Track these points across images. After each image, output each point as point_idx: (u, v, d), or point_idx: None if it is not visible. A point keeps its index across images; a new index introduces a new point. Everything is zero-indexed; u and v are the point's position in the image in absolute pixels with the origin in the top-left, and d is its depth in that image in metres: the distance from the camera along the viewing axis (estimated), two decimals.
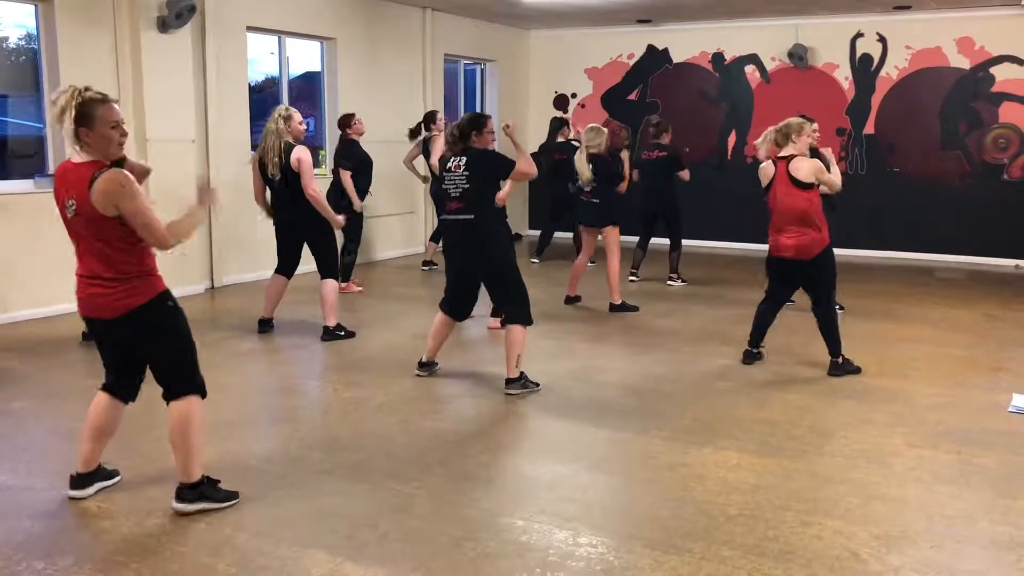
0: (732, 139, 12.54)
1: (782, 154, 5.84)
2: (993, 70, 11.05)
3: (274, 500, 3.85)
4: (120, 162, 3.53)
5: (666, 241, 9.43)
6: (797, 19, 11.79)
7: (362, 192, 8.56)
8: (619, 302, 7.95)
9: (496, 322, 6.96)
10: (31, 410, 5.06)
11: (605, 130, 7.88)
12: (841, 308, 7.25)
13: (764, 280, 6.25)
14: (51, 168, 7.58)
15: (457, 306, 5.64)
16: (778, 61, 12.14)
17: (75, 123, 3.38)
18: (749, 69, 12.37)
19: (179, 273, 8.32)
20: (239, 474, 4.11)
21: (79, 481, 3.80)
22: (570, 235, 10.54)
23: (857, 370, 5.91)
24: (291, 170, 6.34)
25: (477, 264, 5.43)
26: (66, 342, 6.51)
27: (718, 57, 12.52)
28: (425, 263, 10.25)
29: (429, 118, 9.53)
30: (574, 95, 13.47)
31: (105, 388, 3.79)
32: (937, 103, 11.38)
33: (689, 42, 12.61)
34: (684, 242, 9.51)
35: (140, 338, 3.64)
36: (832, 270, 5.89)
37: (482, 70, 13.19)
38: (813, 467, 4.29)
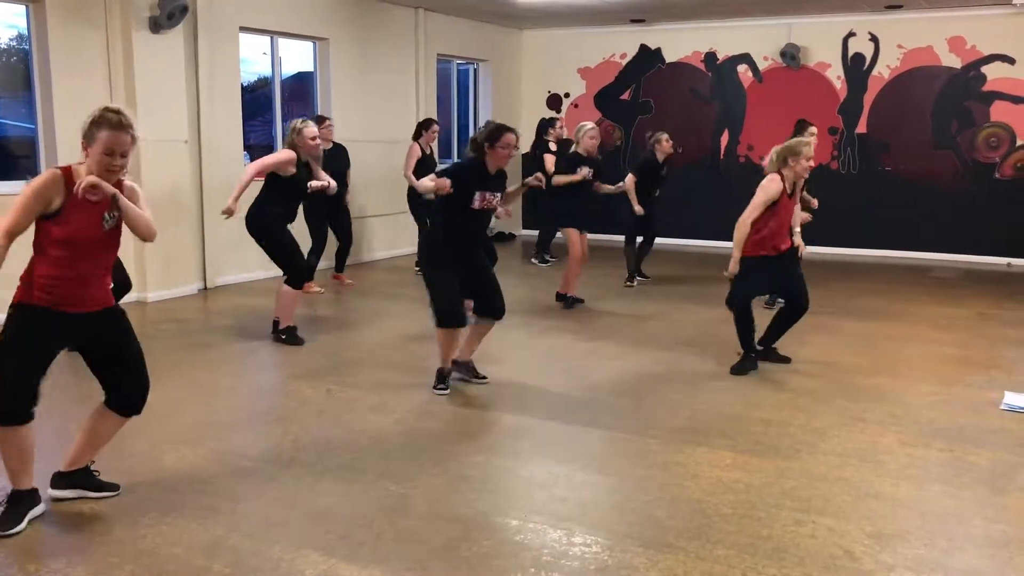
0: (725, 139, 12.55)
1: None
2: (984, 69, 11.09)
3: (268, 501, 3.84)
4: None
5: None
6: (789, 18, 11.81)
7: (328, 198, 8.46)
8: (562, 292, 8.19)
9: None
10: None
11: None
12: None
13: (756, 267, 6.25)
14: (43, 169, 7.55)
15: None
16: (770, 60, 12.16)
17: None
18: (742, 68, 12.39)
19: (171, 274, 8.33)
20: (233, 475, 4.11)
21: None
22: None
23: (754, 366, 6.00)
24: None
25: None
26: None
27: (711, 57, 12.54)
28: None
29: (423, 126, 9.55)
30: (567, 95, 13.48)
31: None
32: (929, 102, 11.42)
33: (682, 42, 12.63)
34: (679, 241, 9.52)
35: None
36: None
37: (475, 70, 13.19)
38: (806, 466, 4.29)
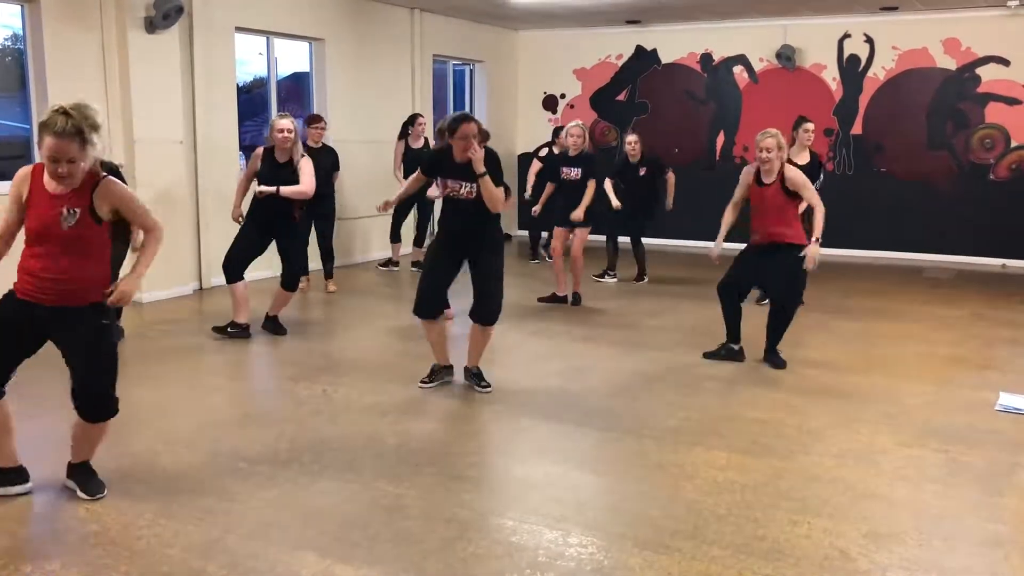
0: (720, 139, 12.57)
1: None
2: (979, 71, 11.12)
3: (264, 502, 3.84)
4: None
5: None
6: (785, 20, 11.83)
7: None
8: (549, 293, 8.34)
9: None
10: (17, 413, 5.02)
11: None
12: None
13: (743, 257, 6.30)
14: None
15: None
16: (766, 62, 12.18)
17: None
18: (737, 70, 12.40)
19: (167, 275, 8.31)
20: (228, 475, 4.11)
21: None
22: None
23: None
24: None
25: None
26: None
27: (706, 58, 12.55)
28: (414, 263, 10.20)
29: (408, 122, 9.54)
30: (563, 96, 13.48)
31: None
32: (924, 103, 11.44)
33: (677, 43, 12.64)
34: (673, 242, 9.55)
35: None
36: None
37: (471, 71, 13.18)
38: (802, 466, 4.30)
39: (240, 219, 6.81)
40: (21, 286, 3.62)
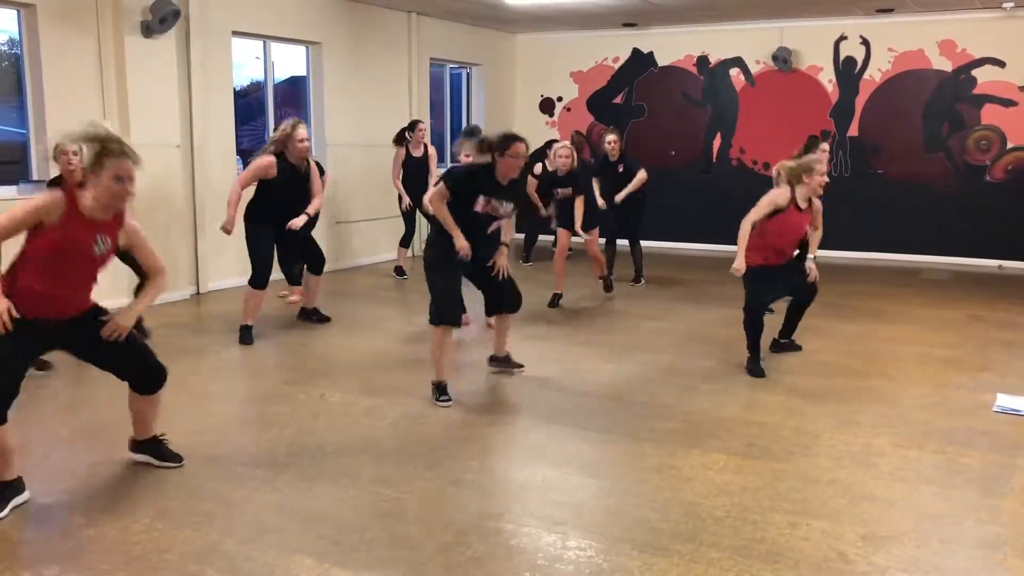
0: (717, 142, 12.58)
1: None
2: (975, 72, 11.14)
3: (262, 506, 3.83)
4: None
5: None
6: (781, 22, 11.85)
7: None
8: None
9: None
10: (14, 420, 5.01)
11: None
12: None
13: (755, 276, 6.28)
14: (35, 175, 7.54)
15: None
16: (762, 64, 12.20)
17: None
18: (734, 72, 12.42)
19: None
20: (226, 480, 4.10)
21: None
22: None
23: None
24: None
25: None
26: None
27: (703, 60, 12.57)
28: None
29: (408, 128, 9.49)
30: (560, 99, 13.49)
31: None
32: (920, 105, 11.46)
33: (674, 45, 12.65)
34: (671, 244, 9.55)
35: None
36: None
37: (468, 74, 13.19)
38: (800, 468, 4.30)
39: (230, 231, 6.59)
40: (28, 306, 3.66)
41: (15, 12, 7.40)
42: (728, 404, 5.35)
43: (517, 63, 13.70)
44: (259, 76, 10.24)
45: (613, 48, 13.03)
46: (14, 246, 3.78)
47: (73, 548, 3.46)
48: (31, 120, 7.50)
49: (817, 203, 6.10)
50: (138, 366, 4.05)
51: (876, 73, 11.63)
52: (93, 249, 3.73)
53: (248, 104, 11.03)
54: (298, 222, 6.70)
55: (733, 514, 3.76)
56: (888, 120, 11.62)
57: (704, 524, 3.66)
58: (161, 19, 7.83)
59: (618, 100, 13.11)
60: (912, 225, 11.54)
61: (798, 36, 11.85)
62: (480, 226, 5.40)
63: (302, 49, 10.26)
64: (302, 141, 6.62)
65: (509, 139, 5.31)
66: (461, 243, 5.23)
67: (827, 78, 11.88)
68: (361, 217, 10.75)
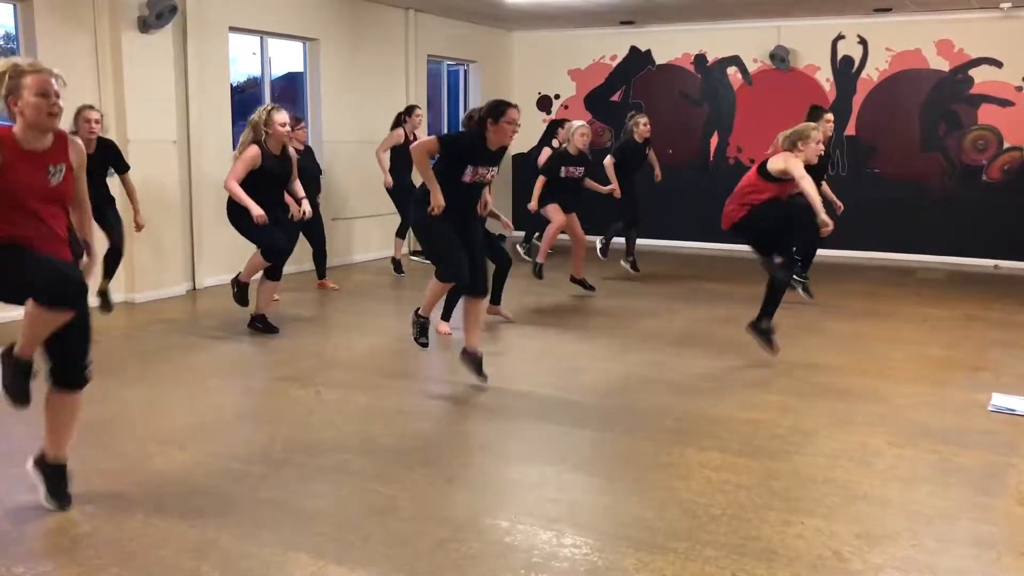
0: (714, 140, 12.58)
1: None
2: (972, 72, 11.15)
3: (257, 502, 3.83)
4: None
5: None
6: (779, 21, 11.85)
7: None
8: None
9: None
10: (9, 412, 5.00)
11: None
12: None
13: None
14: None
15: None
16: (760, 63, 12.20)
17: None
18: (731, 71, 12.42)
19: (160, 275, 8.30)
20: (221, 476, 4.10)
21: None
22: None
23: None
24: None
25: None
26: None
27: (700, 59, 12.57)
28: (414, 253, 10.09)
29: (406, 112, 9.50)
30: (557, 96, 13.49)
31: None
32: (917, 105, 11.47)
33: (672, 44, 12.65)
34: (668, 242, 9.59)
35: None
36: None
37: (465, 71, 13.18)
38: (795, 467, 4.31)
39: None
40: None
41: (11, 6, 7.38)
42: (724, 402, 5.35)
43: (514, 60, 13.69)
44: (256, 72, 10.23)
45: (611, 46, 13.02)
46: None
47: (67, 544, 3.46)
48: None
49: (798, 173, 5.91)
50: (76, 347, 3.61)
51: (873, 72, 11.64)
52: (48, 181, 3.49)
53: (245, 100, 11.00)
54: (307, 208, 6.84)
55: (729, 512, 3.76)
56: (885, 119, 11.63)
57: (699, 522, 3.66)
58: (158, 14, 7.81)
59: (616, 98, 13.11)
60: (908, 224, 11.55)
61: (796, 35, 11.86)
62: (469, 202, 5.38)
63: (299, 45, 10.24)
64: (283, 125, 6.51)
65: (503, 104, 5.26)
66: (437, 199, 5.15)
67: (824, 77, 11.88)
68: (357, 213, 10.74)
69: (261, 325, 6.82)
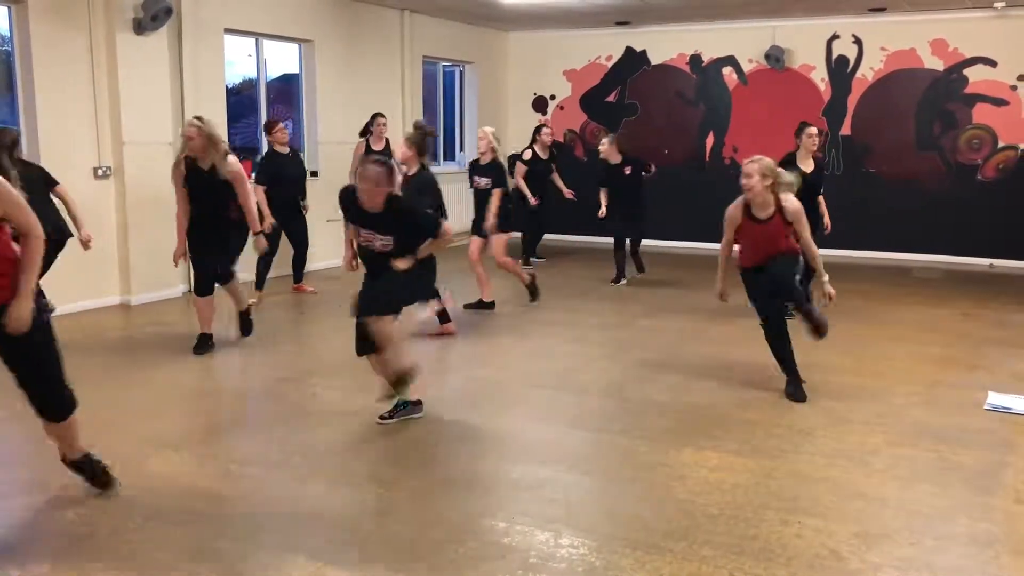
0: (710, 140, 12.59)
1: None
2: (966, 71, 11.17)
3: (254, 504, 3.82)
4: None
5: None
6: (774, 21, 11.86)
7: (283, 205, 8.29)
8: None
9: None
10: (6, 417, 5.00)
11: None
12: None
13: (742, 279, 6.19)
14: None
15: None
16: (755, 63, 12.21)
17: None
18: (726, 71, 12.43)
19: (156, 277, 8.28)
20: (218, 478, 4.09)
21: None
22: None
23: None
24: None
25: None
26: None
27: (696, 59, 12.57)
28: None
29: (370, 121, 9.28)
30: (552, 97, 13.49)
31: None
32: (912, 104, 11.49)
33: (667, 44, 12.66)
34: (664, 243, 9.58)
35: None
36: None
37: (461, 72, 13.18)
38: (793, 466, 4.31)
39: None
40: None
41: (6, 8, 7.36)
42: (721, 402, 5.35)
43: (510, 61, 13.69)
44: (251, 74, 10.21)
45: (606, 46, 13.02)
46: None
47: (65, 546, 3.45)
48: (22, 117, 7.46)
49: (793, 204, 5.41)
50: (43, 385, 3.56)
51: (868, 72, 11.66)
52: None
53: (240, 102, 10.99)
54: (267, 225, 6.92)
55: (726, 512, 3.76)
56: (880, 119, 11.65)
57: (697, 522, 3.66)
58: (153, 16, 7.80)
59: (611, 98, 13.11)
60: (904, 224, 11.57)
61: (791, 35, 11.87)
62: (373, 261, 4.69)
63: (294, 47, 10.22)
64: (189, 139, 6.33)
65: (366, 160, 4.53)
66: (346, 257, 5.03)
67: (819, 77, 11.90)
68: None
69: (211, 344, 6.57)
